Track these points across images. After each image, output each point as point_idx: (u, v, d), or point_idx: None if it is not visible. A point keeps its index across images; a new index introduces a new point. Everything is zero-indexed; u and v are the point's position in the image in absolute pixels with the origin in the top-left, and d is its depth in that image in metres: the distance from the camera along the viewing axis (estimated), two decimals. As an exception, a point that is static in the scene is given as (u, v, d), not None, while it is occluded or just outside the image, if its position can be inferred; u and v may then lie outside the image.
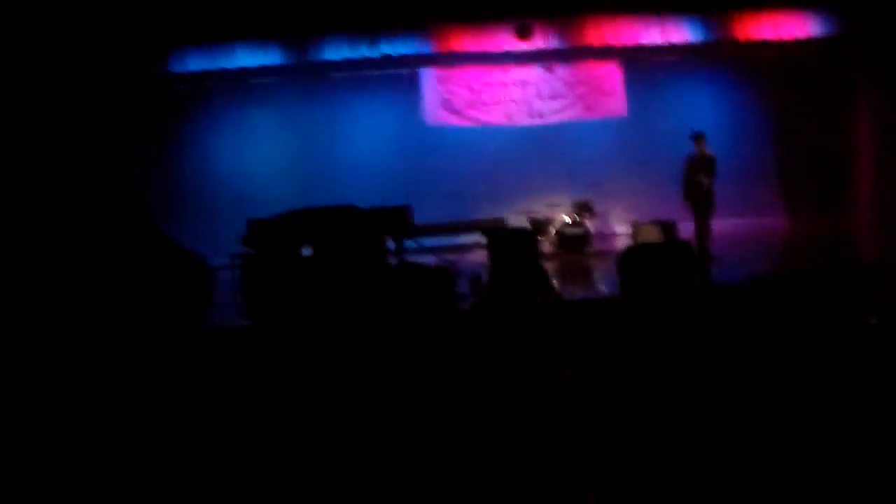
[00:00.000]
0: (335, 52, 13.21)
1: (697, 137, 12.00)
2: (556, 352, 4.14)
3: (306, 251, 10.61)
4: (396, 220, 11.11)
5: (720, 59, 15.12)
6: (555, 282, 6.89)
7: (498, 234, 12.15)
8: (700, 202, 11.76)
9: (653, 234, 12.42)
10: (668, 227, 12.61)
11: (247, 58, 12.91)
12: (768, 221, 15.06)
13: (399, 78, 14.79)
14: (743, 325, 3.83)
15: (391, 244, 11.16)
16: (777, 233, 14.88)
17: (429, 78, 14.98)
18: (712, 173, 11.76)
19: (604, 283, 10.53)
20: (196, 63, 12.82)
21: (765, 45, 14.19)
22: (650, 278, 4.14)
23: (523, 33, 13.29)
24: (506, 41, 13.60)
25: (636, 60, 14.87)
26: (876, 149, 14.44)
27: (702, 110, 14.84)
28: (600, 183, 14.06)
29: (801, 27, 14.09)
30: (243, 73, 13.21)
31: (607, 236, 14.27)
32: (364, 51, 13.28)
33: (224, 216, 12.62)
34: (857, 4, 13.68)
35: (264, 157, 14.73)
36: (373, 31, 13.11)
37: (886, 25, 13.45)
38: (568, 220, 13.54)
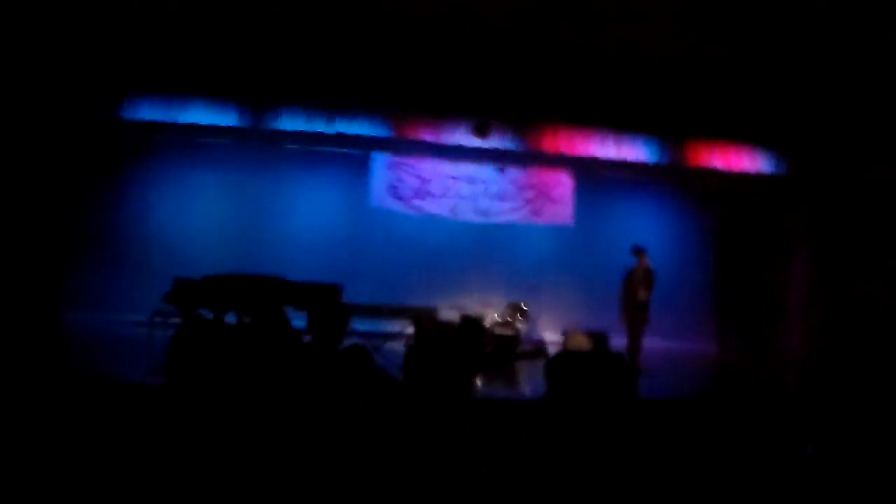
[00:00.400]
0: (291, 122, 13.17)
1: (638, 251, 12.26)
2: (477, 446, 4.13)
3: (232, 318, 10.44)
4: (325, 296, 10.96)
5: (669, 181, 15.45)
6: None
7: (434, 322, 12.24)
8: (635, 315, 11.94)
9: (583, 343, 12.45)
10: (599, 338, 12.63)
11: (201, 115, 12.79)
12: (697, 346, 15.24)
13: (350, 158, 14.81)
14: (670, 440, 3.88)
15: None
16: (706, 359, 15.05)
17: (380, 162, 15.05)
18: (650, 286, 11.98)
19: (529, 385, 10.53)
20: (148, 112, 12.67)
21: (713, 173, 14.51)
22: (578, 385, 4.17)
23: (481, 131, 13.47)
24: (462, 136, 13.75)
25: (588, 172, 15.12)
26: (805, 296, 14.76)
27: (646, 228, 15.20)
28: (537, 287, 14.14)
29: (749, 162, 14.49)
30: (195, 130, 13.04)
31: (536, 342, 14.31)
32: (319, 126, 13.29)
33: (154, 271, 12.37)
34: (804, 151, 14.16)
35: (204, 217, 14.63)
36: (332, 106, 13.17)
37: (828, 175, 13.92)
38: (499, 319, 13.55)
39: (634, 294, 12.00)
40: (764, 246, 15.30)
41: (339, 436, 4.00)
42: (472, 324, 7.42)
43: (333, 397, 4.68)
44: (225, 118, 12.99)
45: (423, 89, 13.17)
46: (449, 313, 13.48)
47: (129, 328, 12.25)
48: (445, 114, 13.57)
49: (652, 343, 12.61)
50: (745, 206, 15.35)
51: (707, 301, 16.14)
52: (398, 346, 11.90)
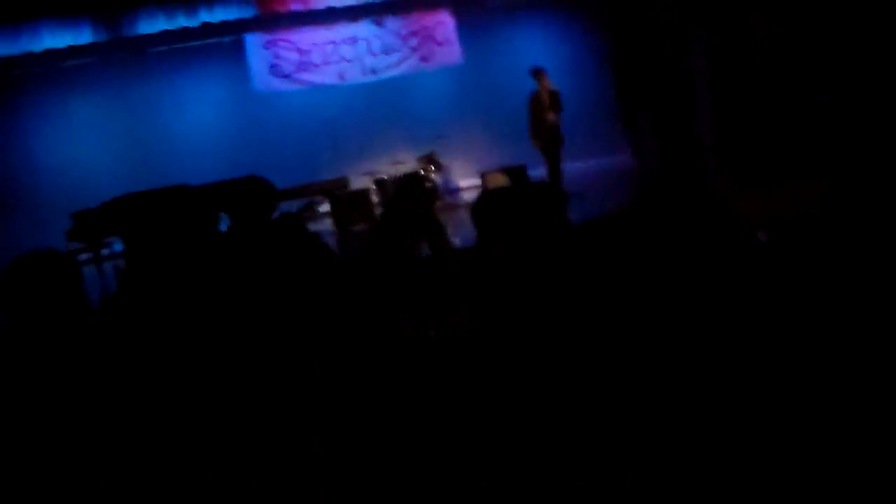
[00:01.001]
0: (151, 24, 12.69)
1: (537, 73, 12.14)
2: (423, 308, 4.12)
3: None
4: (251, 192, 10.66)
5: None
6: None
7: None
8: (548, 140, 11.92)
9: (500, 180, 12.46)
10: (517, 172, 12.68)
11: (54, 38, 12.22)
12: (614, 160, 15.36)
13: (222, 47, 14.34)
14: (615, 257, 3.84)
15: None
16: (625, 170, 15.21)
17: (254, 43, 14.51)
18: (557, 108, 11.93)
19: (457, 235, 10.55)
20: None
21: None
22: (507, 222, 4.14)
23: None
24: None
25: (466, 8, 14.90)
26: (711, 81, 14.90)
27: (537, 53, 14.92)
28: (443, 135, 14.02)
29: None
30: (53, 56, 12.48)
31: (454, 190, 14.31)
32: (181, 20, 12.80)
33: (51, 211, 12.00)
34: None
35: (89, 145, 14.06)
36: (189, -1, 12.67)
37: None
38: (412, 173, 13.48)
39: (543, 118, 11.93)
40: (661, 46, 15.28)
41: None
42: (411, 180, 7.36)
43: (277, 270, 4.62)
44: (81, 36, 12.41)
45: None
46: (362, 180, 13.40)
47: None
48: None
49: (569, 167, 12.66)
50: (635, 6, 15.23)
51: (612, 112, 16.17)
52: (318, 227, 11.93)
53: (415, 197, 6.70)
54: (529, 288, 3.54)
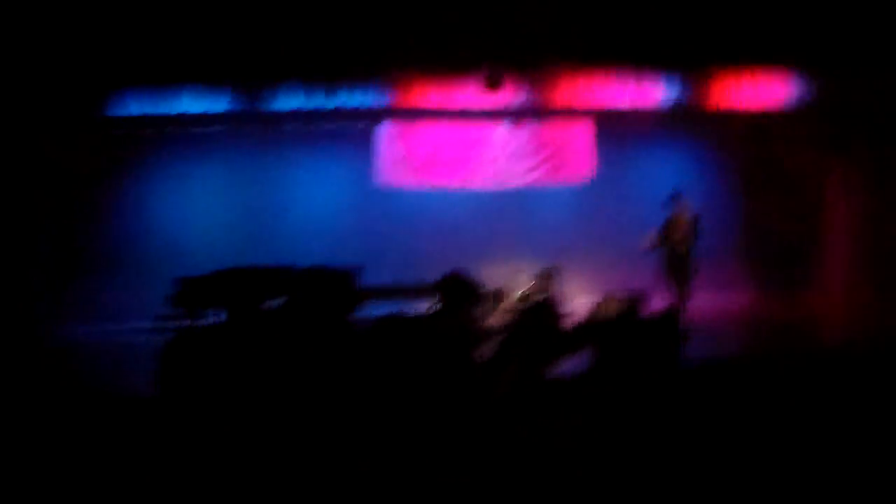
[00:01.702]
0: (287, 101, 12.78)
1: (676, 198, 11.80)
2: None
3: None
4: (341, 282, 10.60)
5: (692, 124, 15.02)
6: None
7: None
8: (680, 269, 11.52)
9: (614, 308, 12.11)
10: (633, 302, 12.25)
11: (192, 103, 12.42)
12: (733, 297, 14.84)
13: (354, 132, 14.37)
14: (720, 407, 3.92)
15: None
16: (742, 311, 14.71)
17: (385, 133, 14.57)
18: (693, 236, 11.54)
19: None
20: (136, 107, 12.29)
21: (738, 112, 14.15)
22: (618, 356, 4.07)
23: (493, 82, 12.98)
24: (472, 96, 13.32)
25: (609, 121, 14.65)
26: (849, 229, 14.49)
27: (669, 178, 14.62)
28: (565, 250, 13.73)
29: (778, 92, 14.07)
30: (187, 120, 12.65)
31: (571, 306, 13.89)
32: (318, 101, 12.89)
33: (160, 273, 12.02)
34: (836, 73, 13.72)
35: (205, 211, 14.23)
36: (330, 79, 12.74)
37: (865, 99, 13.52)
38: (528, 290, 13.19)
39: (678, 246, 11.53)
40: (796, 185, 14.94)
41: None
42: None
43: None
44: (218, 104, 12.58)
45: (426, 47, 12.70)
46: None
47: (134, 336, 11.89)
48: (451, 72, 13.13)
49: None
50: (773, 143, 14.96)
51: (738, 248, 15.76)
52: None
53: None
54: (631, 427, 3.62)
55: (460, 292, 6.35)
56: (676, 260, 11.61)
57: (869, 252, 13.98)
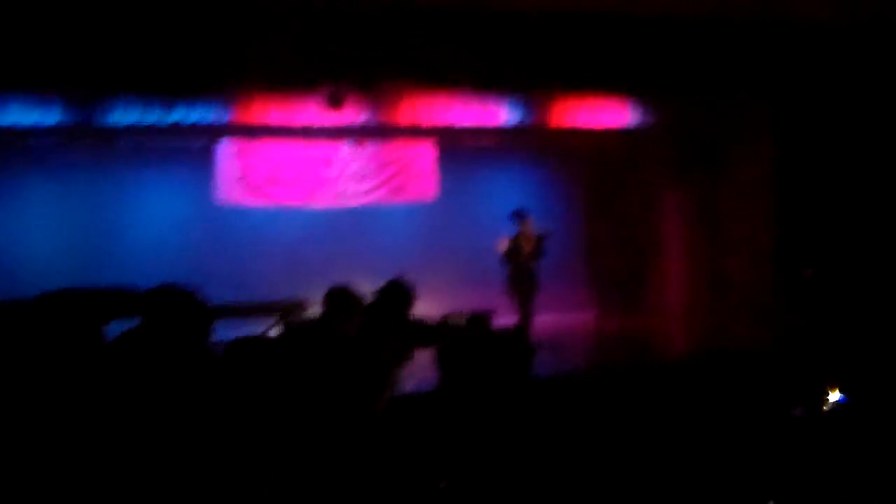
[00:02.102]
0: (123, 115, 12.34)
1: (521, 216, 11.97)
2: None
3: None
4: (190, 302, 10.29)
5: (535, 143, 15.42)
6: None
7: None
8: (524, 286, 11.68)
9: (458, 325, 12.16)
10: (479, 319, 12.36)
11: (20, 114, 11.83)
12: (574, 316, 15.18)
13: (192, 150, 14.08)
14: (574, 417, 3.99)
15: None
16: (586, 328, 15.07)
17: (226, 151, 14.33)
18: (539, 253, 11.73)
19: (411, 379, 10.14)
20: (-43, 117, 11.65)
21: (580, 132, 14.51)
22: (471, 372, 4.00)
23: (335, 101, 12.91)
24: (314, 114, 13.23)
25: (452, 140, 14.87)
26: (684, 250, 15.04)
27: (512, 197, 14.92)
28: (407, 271, 13.70)
29: (616, 116, 14.51)
30: (15, 132, 12.04)
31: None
32: (156, 116, 12.52)
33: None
34: (671, 96, 14.23)
35: (35, 228, 13.62)
36: (167, 94, 12.40)
37: (698, 121, 14.09)
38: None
39: (521, 263, 11.72)
40: (635, 205, 15.45)
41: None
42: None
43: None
44: (48, 115, 12.03)
45: (267, 63, 12.50)
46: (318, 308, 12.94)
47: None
48: (294, 89, 12.99)
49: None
50: (613, 163, 15.43)
51: (580, 267, 16.16)
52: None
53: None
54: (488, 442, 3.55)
55: (343, 305, 6.26)
56: (522, 276, 11.79)
57: (704, 273, 14.52)
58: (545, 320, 13.29)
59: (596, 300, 16.10)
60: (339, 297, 6.65)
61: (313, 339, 5.41)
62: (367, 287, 13.23)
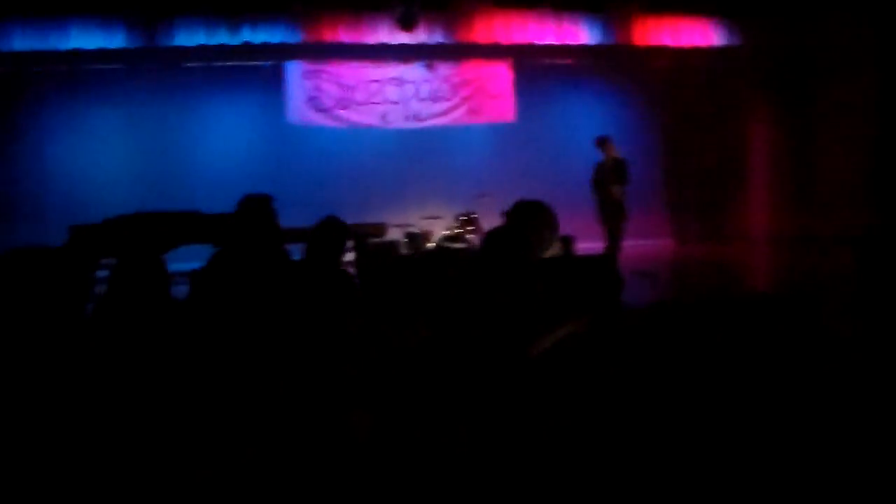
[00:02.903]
0: (188, 37, 12.08)
1: (603, 142, 11.44)
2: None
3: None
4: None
5: (615, 64, 14.73)
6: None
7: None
8: (612, 214, 11.20)
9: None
10: (566, 242, 11.96)
11: (84, 38, 11.59)
12: (653, 242, 14.67)
13: (261, 70, 13.70)
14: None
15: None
16: (668, 256, 14.58)
17: (295, 72, 13.90)
18: (624, 180, 11.21)
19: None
20: (23, 41, 11.42)
21: (662, 50, 13.97)
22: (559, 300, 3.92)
23: (407, 23, 12.44)
24: (384, 33, 12.80)
25: (528, 60, 14.32)
26: (769, 170, 14.46)
27: (593, 120, 14.42)
28: (486, 194, 13.35)
29: (699, 36, 13.98)
30: (79, 57, 11.85)
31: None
32: (222, 37, 12.20)
33: (55, 220, 11.27)
34: (757, 17, 13.60)
35: (103, 155, 13.36)
36: (234, 14, 12.05)
37: (783, 41, 13.43)
38: (448, 233, 12.77)
39: (608, 191, 11.19)
40: (716, 129, 14.85)
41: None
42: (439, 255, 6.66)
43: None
44: (113, 40, 11.81)
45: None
46: (393, 232, 12.67)
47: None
48: (363, 8, 12.57)
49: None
50: (696, 84, 14.80)
51: (659, 192, 15.61)
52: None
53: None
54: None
55: (333, 239, 5.80)
56: (609, 205, 11.24)
57: (790, 189, 13.95)
58: (628, 246, 12.89)
59: (676, 228, 15.58)
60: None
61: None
62: (445, 210, 13.09)
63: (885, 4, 12.07)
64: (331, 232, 5.46)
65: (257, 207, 5.62)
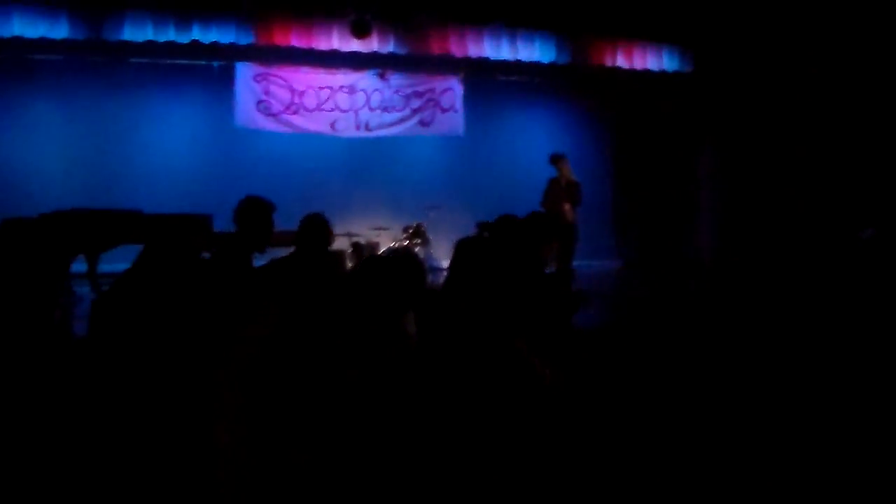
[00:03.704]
0: (136, 31, 11.65)
1: (558, 159, 11.27)
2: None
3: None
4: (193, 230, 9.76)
5: (567, 83, 14.72)
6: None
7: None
8: (563, 234, 11.00)
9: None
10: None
11: (26, 27, 11.13)
12: (598, 263, 14.55)
13: (210, 71, 13.37)
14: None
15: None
16: (614, 273, 14.51)
17: (245, 74, 13.52)
18: (576, 200, 11.04)
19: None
20: (-40, 26, 10.95)
21: (614, 72, 13.94)
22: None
23: (360, 30, 12.19)
24: (338, 40, 12.53)
25: (481, 75, 14.23)
26: (712, 198, 14.47)
27: (542, 137, 14.44)
28: (434, 206, 13.13)
29: (651, 60, 14.02)
30: (20, 45, 11.37)
31: (435, 269, 13.33)
32: (171, 34, 11.83)
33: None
34: (709, 45, 13.63)
35: (44, 147, 12.88)
36: (183, 11, 11.69)
37: (733, 69, 13.44)
38: (395, 245, 12.50)
39: (560, 210, 10.98)
40: (666, 151, 14.81)
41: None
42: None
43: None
44: (56, 30, 11.35)
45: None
46: (338, 242, 12.38)
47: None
48: (318, 13, 12.30)
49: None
50: (647, 108, 14.77)
51: (607, 213, 15.52)
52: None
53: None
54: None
55: (318, 235, 5.82)
56: (561, 224, 11.04)
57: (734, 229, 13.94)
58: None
59: (618, 249, 15.52)
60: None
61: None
62: (392, 222, 12.83)
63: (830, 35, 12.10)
64: (318, 228, 5.85)
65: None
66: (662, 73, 14.14)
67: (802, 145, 12.86)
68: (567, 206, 11.02)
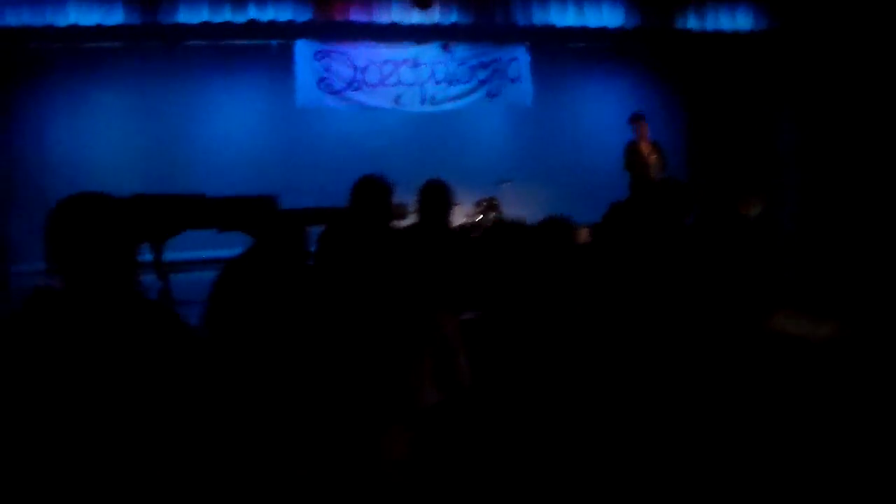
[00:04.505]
0: (191, 13, 11.32)
1: (637, 119, 10.75)
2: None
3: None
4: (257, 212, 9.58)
5: (637, 49, 14.25)
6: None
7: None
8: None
9: (584, 239, 11.22)
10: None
11: (81, 14, 10.85)
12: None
13: (269, 51, 13.16)
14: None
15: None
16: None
17: (304, 53, 13.21)
18: (663, 162, 10.53)
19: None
20: (15, 16, 10.65)
21: (687, 35, 13.34)
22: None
23: (422, 1, 11.77)
24: (399, 13, 12.12)
25: (545, 44, 13.82)
26: (798, 164, 13.73)
27: (612, 106, 14.02)
28: (507, 179, 12.72)
29: (727, 19, 13.27)
30: (76, 33, 11.11)
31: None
32: (227, 14, 11.51)
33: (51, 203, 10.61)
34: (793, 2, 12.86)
35: (105, 136, 12.70)
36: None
37: (820, 26, 12.65)
38: (469, 220, 12.13)
39: (646, 173, 10.44)
40: (743, 117, 14.12)
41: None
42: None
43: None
44: (111, 16, 11.06)
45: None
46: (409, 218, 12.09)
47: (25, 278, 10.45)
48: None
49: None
50: (722, 74, 14.12)
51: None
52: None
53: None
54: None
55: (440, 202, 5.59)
56: (644, 187, 10.53)
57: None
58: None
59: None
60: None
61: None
62: (463, 196, 12.44)
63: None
64: (440, 194, 5.80)
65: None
66: (736, 34, 13.39)
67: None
68: (654, 170, 10.50)
